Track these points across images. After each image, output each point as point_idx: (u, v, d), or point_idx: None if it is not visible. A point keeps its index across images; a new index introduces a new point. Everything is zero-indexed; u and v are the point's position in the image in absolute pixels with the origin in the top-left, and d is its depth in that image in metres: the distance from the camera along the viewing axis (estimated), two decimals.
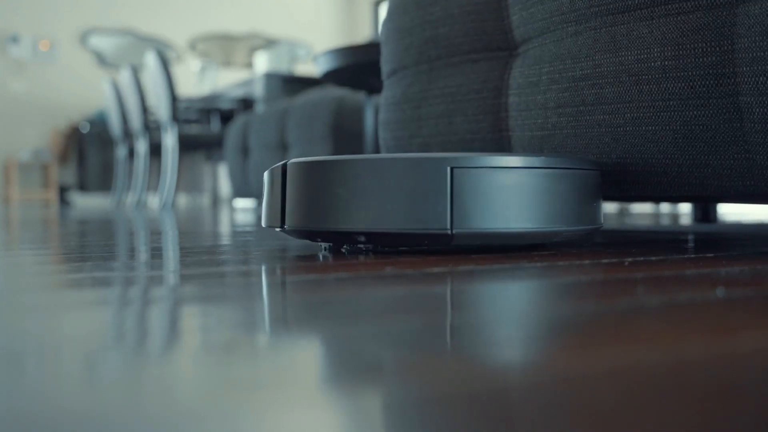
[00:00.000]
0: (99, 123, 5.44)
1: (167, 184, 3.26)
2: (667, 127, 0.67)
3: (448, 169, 0.59)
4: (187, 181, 5.53)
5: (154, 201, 5.19)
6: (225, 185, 5.26)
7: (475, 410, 0.17)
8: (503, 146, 0.85)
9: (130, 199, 4.22)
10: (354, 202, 0.61)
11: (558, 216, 0.63)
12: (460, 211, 0.60)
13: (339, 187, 0.61)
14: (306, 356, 0.23)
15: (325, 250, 0.67)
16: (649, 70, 0.68)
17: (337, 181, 0.61)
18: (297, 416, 0.17)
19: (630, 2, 0.70)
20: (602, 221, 0.74)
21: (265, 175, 0.69)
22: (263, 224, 0.68)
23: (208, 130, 3.53)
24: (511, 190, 0.61)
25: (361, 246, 0.66)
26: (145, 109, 3.54)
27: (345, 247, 0.69)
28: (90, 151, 5.40)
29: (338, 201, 0.61)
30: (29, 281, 0.43)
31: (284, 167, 0.66)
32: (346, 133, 2.22)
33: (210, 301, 0.35)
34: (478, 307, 0.33)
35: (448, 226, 0.59)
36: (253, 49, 6.40)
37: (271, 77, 3.20)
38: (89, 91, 5.70)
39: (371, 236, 0.61)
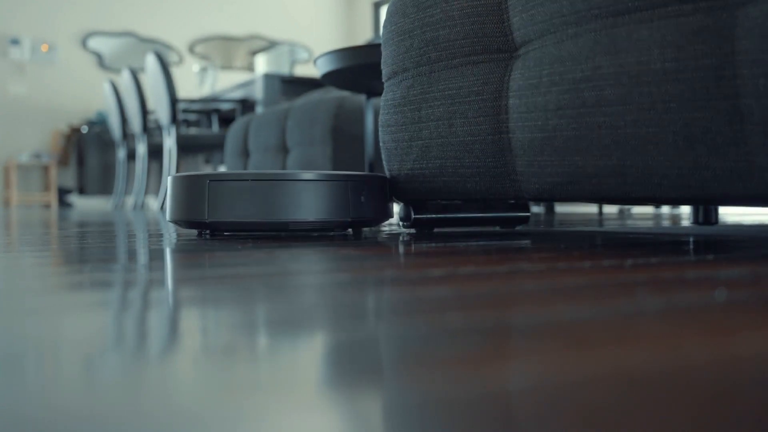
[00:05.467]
0: (99, 125, 5.44)
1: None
2: (668, 129, 0.67)
3: (207, 181, 0.93)
4: None
5: (154, 203, 5.19)
6: None
7: (474, 411, 0.17)
8: (503, 148, 0.85)
9: (130, 201, 4.22)
10: (176, 203, 0.97)
11: (295, 210, 0.92)
12: (213, 207, 0.93)
13: (174, 192, 0.98)
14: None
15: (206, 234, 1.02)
16: (650, 72, 0.68)
17: (176, 189, 0.97)
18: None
19: (630, 4, 0.70)
20: (369, 216, 0.97)
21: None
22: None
23: (208, 132, 3.53)
24: (248, 194, 0.92)
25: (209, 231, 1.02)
26: (145, 111, 3.54)
27: (206, 232, 1.04)
28: (90, 153, 5.40)
29: (173, 202, 0.98)
30: (29, 283, 0.43)
31: (169, 179, 1.00)
32: (346, 135, 2.22)
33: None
34: (488, 307, 0.33)
35: (206, 217, 0.93)
36: (253, 51, 6.41)
37: (270, 79, 3.20)
38: (89, 93, 5.71)
39: (181, 224, 0.97)
